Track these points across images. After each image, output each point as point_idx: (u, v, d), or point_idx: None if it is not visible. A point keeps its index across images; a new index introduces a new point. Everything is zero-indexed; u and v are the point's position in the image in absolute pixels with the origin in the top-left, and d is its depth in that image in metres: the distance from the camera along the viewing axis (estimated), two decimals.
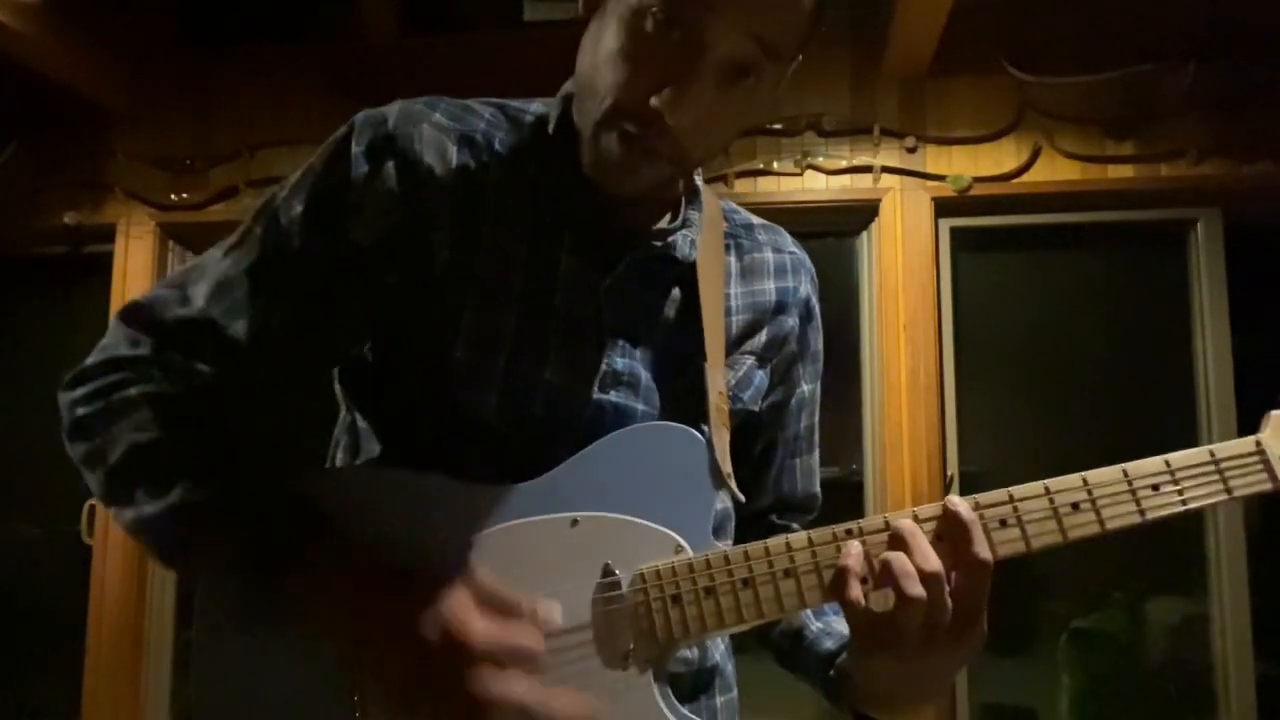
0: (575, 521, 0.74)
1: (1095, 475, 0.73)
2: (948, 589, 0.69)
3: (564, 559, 0.73)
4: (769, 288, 0.93)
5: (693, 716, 0.73)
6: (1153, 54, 2.65)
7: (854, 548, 0.71)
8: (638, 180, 0.77)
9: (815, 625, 0.89)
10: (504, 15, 2.85)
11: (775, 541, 0.73)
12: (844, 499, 2.70)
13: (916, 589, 0.68)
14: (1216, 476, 0.74)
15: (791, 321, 0.94)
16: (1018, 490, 0.73)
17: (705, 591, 0.73)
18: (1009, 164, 2.70)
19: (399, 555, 0.67)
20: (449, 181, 0.78)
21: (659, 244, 0.84)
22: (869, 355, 2.78)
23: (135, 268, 2.92)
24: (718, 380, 0.84)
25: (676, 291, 0.86)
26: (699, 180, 0.91)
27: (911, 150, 2.73)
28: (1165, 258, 2.80)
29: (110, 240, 2.94)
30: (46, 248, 3.08)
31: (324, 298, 0.77)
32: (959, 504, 0.71)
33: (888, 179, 2.72)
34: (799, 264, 0.97)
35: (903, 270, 2.69)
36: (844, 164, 2.74)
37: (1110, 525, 0.72)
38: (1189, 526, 2.65)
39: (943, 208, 2.74)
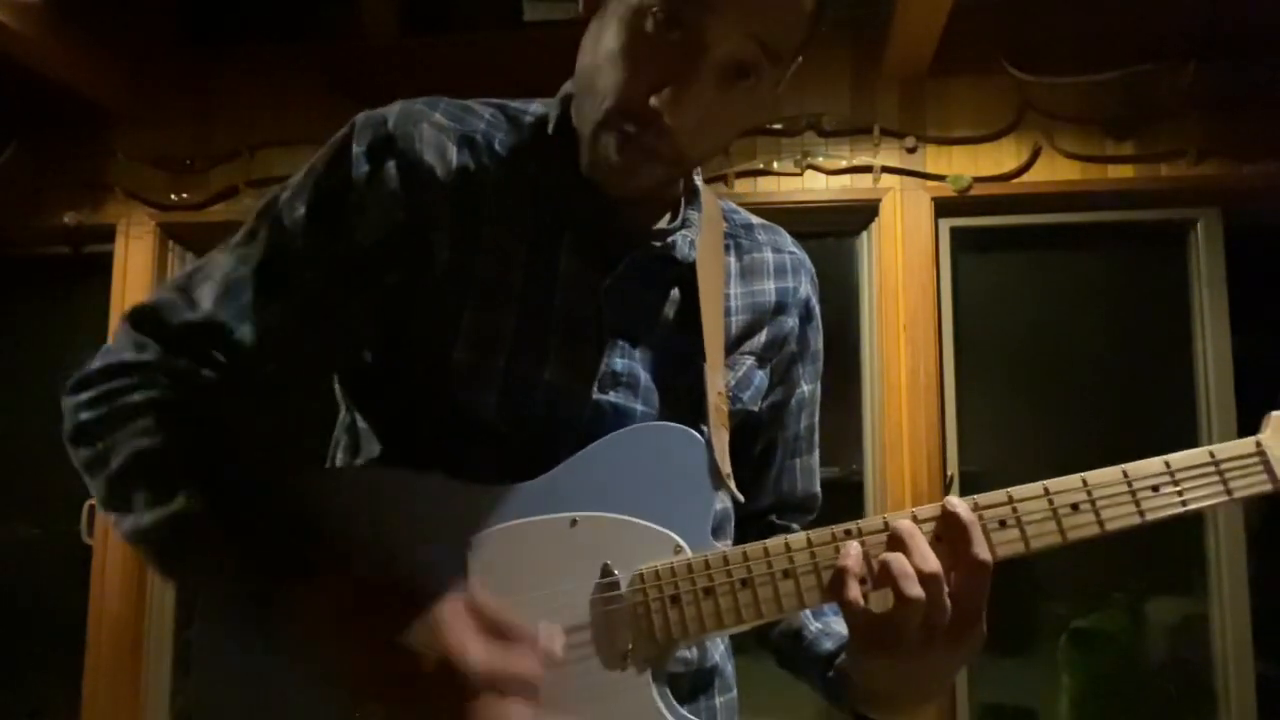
0: (574, 521, 0.74)
1: (1095, 476, 0.73)
2: (947, 590, 0.69)
3: (563, 559, 0.73)
4: (769, 288, 0.93)
5: (691, 717, 0.73)
6: (1153, 54, 2.64)
7: (853, 548, 0.71)
8: (637, 180, 0.77)
9: (814, 626, 0.89)
10: (504, 15, 2.85)
11: (774, 542, 0.73)
12: (844, 499, 2.70)
13: (915, 590, 0.68)
14: (1216, 477, 0.73)
15: (791, 322, 0.94)
16: (1017, 491, 0.73)
17: (704, 592, 0.73)
18: (1009, 164, 2.69)
19: (399, 562, 0.66)
20: (449, 182, 0.78)
21: (658, 244, 0.84)
22: (869, 355, 2.77)
23: (135, 268, 2.92)
24: (717, 380, 0.84)
25: (676, 292, 0.86)
26: (699, 180, 0.91)
27: (911, 150, 2.73)
28: (1165, 258, 2.79)
29: (110, 240, 2.94)
30: (47, 248, 3.08)
31: (327, 298, 0.77)
32: (958, 505, 0.71)
33: (888, 179, 2.72)
34: (799, 264, 0.96)
35: (903, 270, 2.69)
36: (844, 164, 2.74)
37: (1110, 526, 0.72)
38: (1189, 527, 2.64)
39: (943, 208, 2.74)
